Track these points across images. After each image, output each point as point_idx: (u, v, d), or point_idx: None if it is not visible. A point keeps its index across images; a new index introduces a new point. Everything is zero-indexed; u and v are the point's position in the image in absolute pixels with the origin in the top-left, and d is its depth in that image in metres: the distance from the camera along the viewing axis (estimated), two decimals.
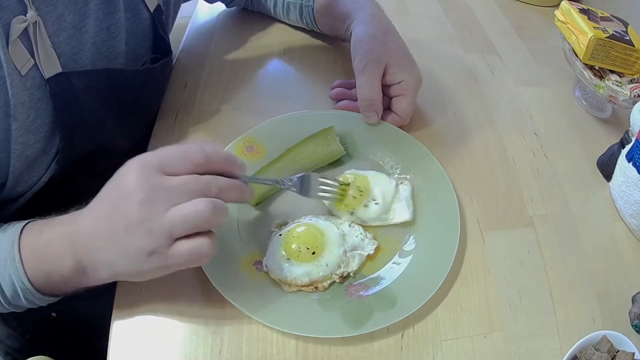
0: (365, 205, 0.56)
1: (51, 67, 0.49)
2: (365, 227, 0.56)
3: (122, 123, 0.60)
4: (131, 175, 0.41)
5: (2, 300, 0.45)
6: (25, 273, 0.44)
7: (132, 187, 0.40)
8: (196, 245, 0.41)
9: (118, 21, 0.56)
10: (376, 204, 0.56)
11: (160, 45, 0.64)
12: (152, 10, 0.61)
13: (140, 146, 0.64)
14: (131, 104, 0.60)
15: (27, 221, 0.46)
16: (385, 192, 0.57)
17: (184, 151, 0.42)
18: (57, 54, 0.49)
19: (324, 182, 0.54)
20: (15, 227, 0.45)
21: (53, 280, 0.45)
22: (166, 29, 0.64)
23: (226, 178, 0.43)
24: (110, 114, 0.57)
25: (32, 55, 0.47)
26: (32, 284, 0.44)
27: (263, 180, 0.55)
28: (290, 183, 0.52)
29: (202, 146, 0.43)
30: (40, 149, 0.51)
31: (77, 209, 0.45)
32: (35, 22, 0.46)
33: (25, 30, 0.45)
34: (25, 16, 0.45)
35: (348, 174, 0.58)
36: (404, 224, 0.56)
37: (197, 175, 0.42)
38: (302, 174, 0.53)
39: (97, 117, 0.56)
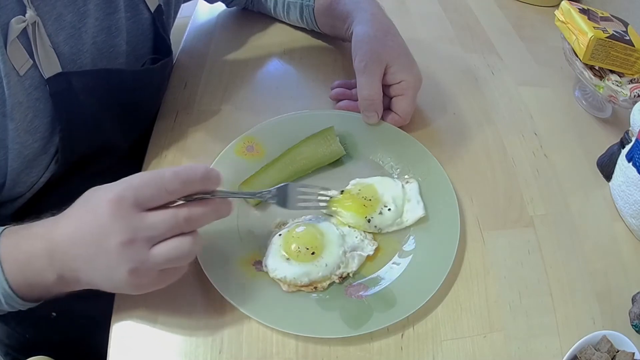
0: (380, 213, 0.55)
1: (51, 67, 0.48)
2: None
3: (122, 123, 0.60)
4: (107, 213, 0.40)
5: None
6: (7, 281, 0.42)
7: (110, 227, 0.40)
8: (176, 246, 0.41)
9: (119, 21, 0.56)
10: (389, 209, 0.56)
11: (160, 45, 0.64)
12: (152, 10, 0.61)
13: (140, 146, 0.64)
14: (131, 104, 0.60)
15: (3, 228, 0.45)
16: (395, 196, 0.57)
17: (158, 182, 0.41)
18: (56, 53, 0.49)
19: (304, 191, 0.54)
20: None
21: (36, 289, 0.44)
22: (167, 28, 0.64)
23: (202, 205, 0.43)
24: (109, 114, 0.57)
25: (31, 56, 0.47)
26: (14, 292, 0.43)
27: (239, 194, 0.54)
28: (268, 195, 0.51)
29: (176, 172, 0.41)
30: (38, 148, 0.51)
31: (53, 214, 0.44)
32: (35, 22, 0.46)
33: (25, 30, 0.45)
34: (24, 16, 0.45)
35: (353, 184, 0.58)
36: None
37: (174, 209, 0.41)
38: (281, 184, 0.52)
39: (96, 117, 0.56)
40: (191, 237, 0.42)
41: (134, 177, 0.42)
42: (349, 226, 0.55)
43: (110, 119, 0.58)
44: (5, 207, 0.57)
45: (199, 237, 0.43)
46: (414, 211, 0.56)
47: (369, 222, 0.55)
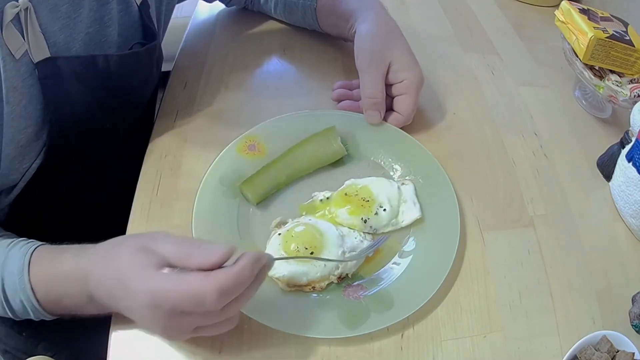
0: (376, 213, 0.55)
1: (40, 52, 0.49)
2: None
3: (110, 110, 0.60)
4: (142, 314, 0.41)
5: (10, 313, 0.47)
6: (37, 300, 0.45)
7: (149, 321, 0.42)
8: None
9: (111, 12, 0.57)
10: (384, 210, 0.56)
11: (148, 36, 0.64)
12: (138, 4, 0.61)
13: (136, 141, 0.64)
14: (118, 89, 0.60)
15: (33, 248, 0.47)
16: (390, 196, 0.57)
17: (199, 302, 0.38)
18: (49, 41, 0.50)
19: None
20: (22, 253, 0.46)
21: (71, 313, 0.47)
22: (153, 22, 0.64)
23: (240, 300, 0.41)
24: (97, 100, 0.58)
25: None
26: (44, 308, 0.46)
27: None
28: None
29: (222, 291, 0.38)
30: (32, 134, 0.52)
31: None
32: (27, 8, 0.47)
33: (17, 15, 0.46)
34: (17, 2, 0.46)
35: (347, 184, 0.58)
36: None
37: (214, 312, 0.40)
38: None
39: (84, 103, 0.56)
40: (232, 321, 0.43)
41: (169, 287, 0.39)
42: (349, 227, 0.55)
43: (98, 105, 0.58)
44: (1, 200, 0.57)
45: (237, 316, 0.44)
46: (410, 212, 0.56)
47: (365, 222, 0.55)
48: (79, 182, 0.64)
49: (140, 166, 0.61)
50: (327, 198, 0.57)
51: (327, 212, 0.56)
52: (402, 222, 0.56)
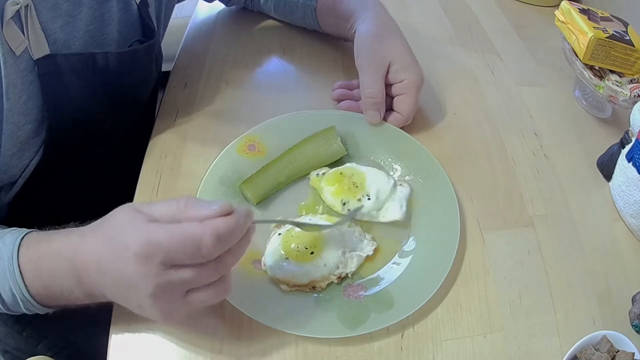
0: (359, 199, 0.56)
1: (40, 49, 0.49)
2: (360, 223, 0.56)
3: (110, 108, 0.61)
4: (133, 269, 0.38)
5: (1, 306, 0.46)
6: (26, 285, 0.44)
7: (138, 282, 0.38)
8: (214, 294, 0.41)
9: (111, 10, 0.57)
10: (369, 199, 0.56)
11: (147, 34, 0.64)
12: (137, 3, 0.61)
13: (136, 139, 0.64)
14: (117, 87, 0.60)
15: (25, 232, 0.46)
16: (381, 189, 0.57)
17: (194, 248, 0.37)
18: (49, 38, 0.50)
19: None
20: (13, 238, 0.45)
21: (60, 301, 0.45)
22: (153, 20, 0.64)
23: (233, 253, 0.41)
24: (96, 97, 0.58)
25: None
26: (32, 296, 0.44)
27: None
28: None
29: (219, 236, 0.37)
30: (31, 130, 0.52)
31: (76, 226, 0.45)
32: (27, 5, 0.47)
33: (17, 12, 0.46)
34: None
35: (347, 167, 0.59)
36: (404, 225, 0.56)
37: (208, 265, 0.39)
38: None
39: (84, 100, 0.56)
40: (226, 283, 0.42)
41: (164, 235, 0.38)
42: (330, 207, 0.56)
43: (99, 104, 0.59)
44: (0, 198, 0.58)
45: (229, 277, 0.43)
46: (392, 212, 0.56)
47: (343, 205, 0.55)
48: (78, 181, 0.64)
49: (140, 166, 0.61)
50: (323, 174, 0.58)
51: (317, 180, 0.58)
52: (382, 217, 0.56)
